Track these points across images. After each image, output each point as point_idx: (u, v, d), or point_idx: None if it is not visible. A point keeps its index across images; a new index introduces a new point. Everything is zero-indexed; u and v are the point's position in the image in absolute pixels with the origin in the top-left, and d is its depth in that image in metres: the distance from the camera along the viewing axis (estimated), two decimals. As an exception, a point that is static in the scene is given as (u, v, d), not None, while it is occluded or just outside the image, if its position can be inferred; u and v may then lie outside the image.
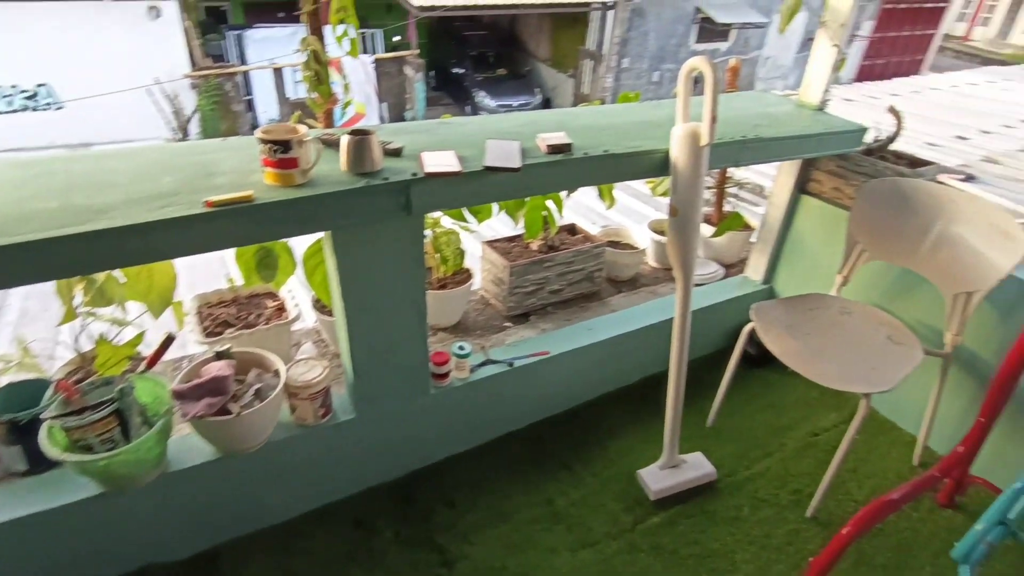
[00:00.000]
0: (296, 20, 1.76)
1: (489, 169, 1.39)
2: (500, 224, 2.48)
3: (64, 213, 1.11)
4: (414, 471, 1.94)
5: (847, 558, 1.71)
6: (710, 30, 13.19)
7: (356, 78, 9.72)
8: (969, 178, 3.08)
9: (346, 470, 1.80)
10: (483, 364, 1.98)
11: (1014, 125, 5.28)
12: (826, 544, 1.81)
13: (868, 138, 2.14)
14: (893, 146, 2.15)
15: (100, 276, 1.61)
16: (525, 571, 1.70)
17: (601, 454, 2.07)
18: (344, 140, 1.31)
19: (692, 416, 2.18)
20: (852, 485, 2.01)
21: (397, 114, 11.71)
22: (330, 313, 2.05)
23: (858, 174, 2.08)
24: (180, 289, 1.76)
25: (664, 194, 2.58)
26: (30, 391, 1.58)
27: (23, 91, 9.26)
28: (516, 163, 1.40)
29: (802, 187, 2.29)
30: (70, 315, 1.62)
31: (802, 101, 2.18)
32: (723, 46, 13.75)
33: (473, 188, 1.42)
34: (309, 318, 2.22)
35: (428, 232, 2.17)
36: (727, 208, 2.81)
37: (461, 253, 2.08)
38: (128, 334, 1.72)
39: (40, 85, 9.29)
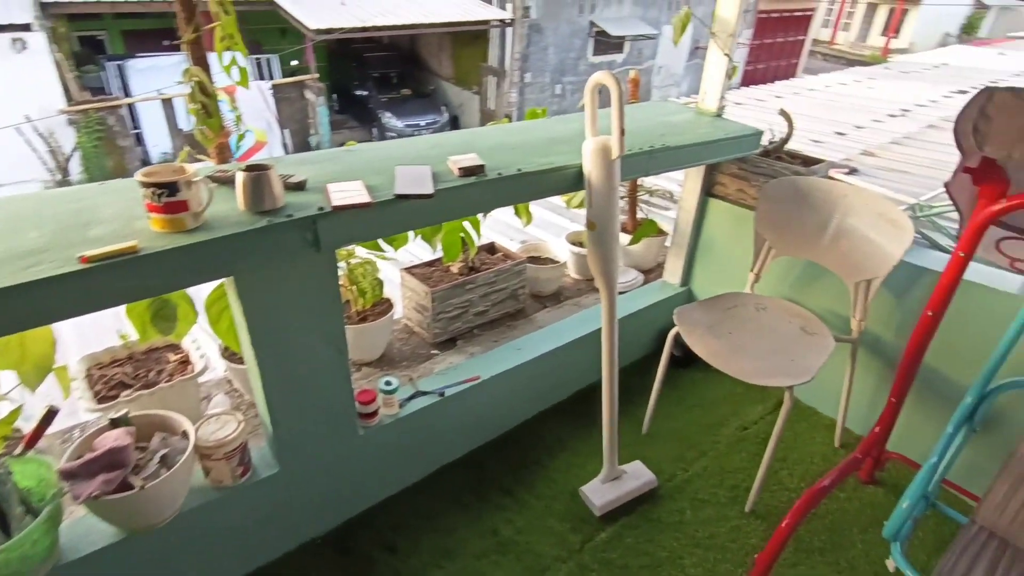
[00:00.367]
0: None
1: (401, 197, 1.33)
2: (418, 248, 2.40)
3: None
4: (349, 519, 1.83)
5: (787, 547, 1.75)
6: (605, 43, 13.70)
7: (254, 105, 9.34)
8: (852, 171, 3.33)
9: (274, 529, 1.66)
10: (413, 397, 1.90)
11: (882, 119, 5.79)
12: (767, 537, 1.86)
13: (763, 140, 2.25)
14: (787, 147, 2.27)
15: (-39, 348, 1.40)
16: (476, 610, 1.63)
17: (542, 475, 2.03)
18: (239, 177, 1.21)
19: (627, 424, 2.19)
20: (784, 474, 2.08)
21: (301, 140, 11.34)
22: (241, 361, 1.90)
23: (758, 175, 2.18)
24: (64, 351, 1.57)
25: (579, 206, 2.60)
26: None
27: None
28: (428, 189, 1.35)
29: (708, 191, 2.37)
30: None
31: (701, 108, 2.26)
32: (619, 58, 14.32)
33: (385, 218, 1.35)
34: (218, 367, 2.05)
35: (342, 264, 2.07)
36: (640, 215, 2.87)
37: (379, 284, 1.99)
38: (2, 410, 1.51)
39: None
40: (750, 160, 2.19)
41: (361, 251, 2.03)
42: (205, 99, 1.50)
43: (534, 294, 2.62)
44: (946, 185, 1.36)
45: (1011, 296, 1.70)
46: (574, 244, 2.78)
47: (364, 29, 9.85)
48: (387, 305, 2.14)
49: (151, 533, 1.39)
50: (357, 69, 12.86)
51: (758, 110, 5.77)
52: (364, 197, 1.28)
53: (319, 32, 9.48)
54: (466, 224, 2.16)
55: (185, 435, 1.44)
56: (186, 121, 9.79)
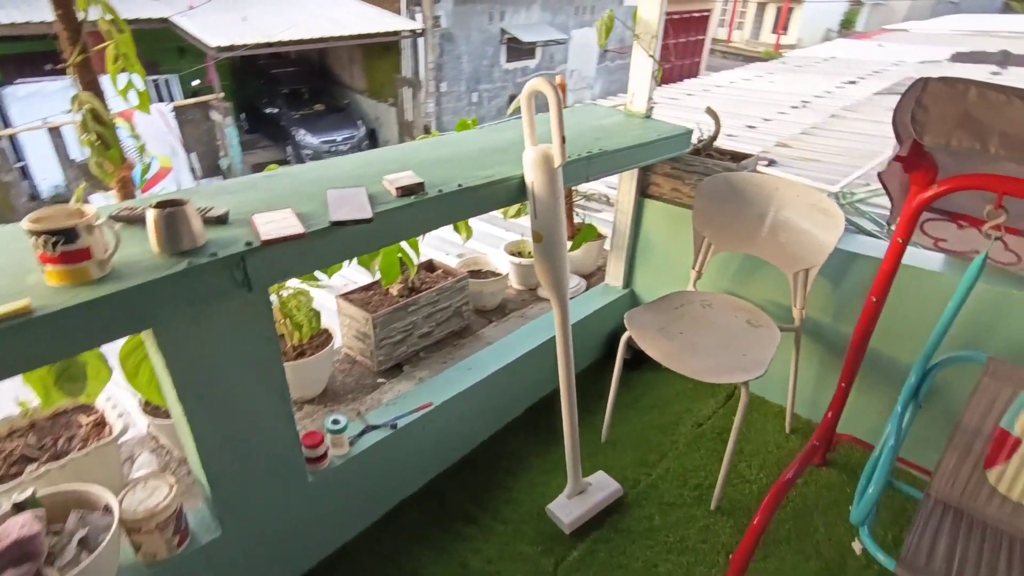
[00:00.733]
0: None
1: (337, 224, 1.22)
2: (354, 272, 2.27)
3: None
4: (304, 574, 1.68)
5: (756, 542, 1.76)
6: (517, 49, 13.82)
7: (155, 129, 8.74)
8: (772, 163, 3.46)
9: (220, 599, 1.50)
10: (363, 433, 1.78)
11: (786, 111, 6.12)
12: (736, 533, 1.87)
13: (692, 139, 2.28)
14: (714, 143, 2.31)
15: None
16: (453, 655, 1.53)
17: (506, 498, 1.96)
18: (151, 215, 1.06)
19: (585, 434, 2.15)
20: (743, 467, 2.10)
21: (210, 163, 10.75)
22: (166, 414, 1.72)
23: (691, 173, 2.20)
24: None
25: (515, 216, 2.55)
26: None
27: None
28: (367, 213, 1.25)
29: (643, 191, 2.38)
30: None
31: (630, 110, 2.27)
32: (532, 63, 14.49)
33: (322, 249, 1.24)
34: (140, 423, 1.85)
35: (272, 297, 1.91)
36: (577, 220, 2.86)
37: (316, 315, 1.86)
38: None
39: None
40: (682, 159, 2.21)
41: (293, 281, 1.89)
42: (101, 128, 1.33)
43: (478, 309, 2.55)
44: (879, 175, 1.40)
45: (942, 275, 1.78)
46: (513, 255, 2.72)
47: (269, 45, 9.46)
48: (326, 336, 2.01)
49: (75, 629, 1.20)
50: (265, 86, 12.35)
51: (675, 108, 5.95)
52: (297, 227, 1.16)
53: (221, 50, 9.02)
54: (403, 244, 2.06)
55: (107, 509, 1.27)
56: (79, 151, 9.05)
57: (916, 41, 12.46)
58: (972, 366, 1.54)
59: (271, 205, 1.31)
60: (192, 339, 1.19)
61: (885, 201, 2.84)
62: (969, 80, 1.01)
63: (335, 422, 1.67)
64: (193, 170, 10.38)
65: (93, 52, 1.40)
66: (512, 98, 14.50)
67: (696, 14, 18.83)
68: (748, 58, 21.63)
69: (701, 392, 2.41)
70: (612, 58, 16.67)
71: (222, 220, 1.21)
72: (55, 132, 8.83)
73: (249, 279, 1.14)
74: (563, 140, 1.46)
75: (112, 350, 1.51)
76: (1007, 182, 1.14)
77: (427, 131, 12.86)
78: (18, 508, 1.20)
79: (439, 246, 3.14)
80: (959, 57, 9.48)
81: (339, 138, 11.86)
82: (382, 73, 12.85)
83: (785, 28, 23.98)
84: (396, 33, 11.47)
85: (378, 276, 2.18)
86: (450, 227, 2.32)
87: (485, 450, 2.12)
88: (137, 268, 1.06)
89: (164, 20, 9.51)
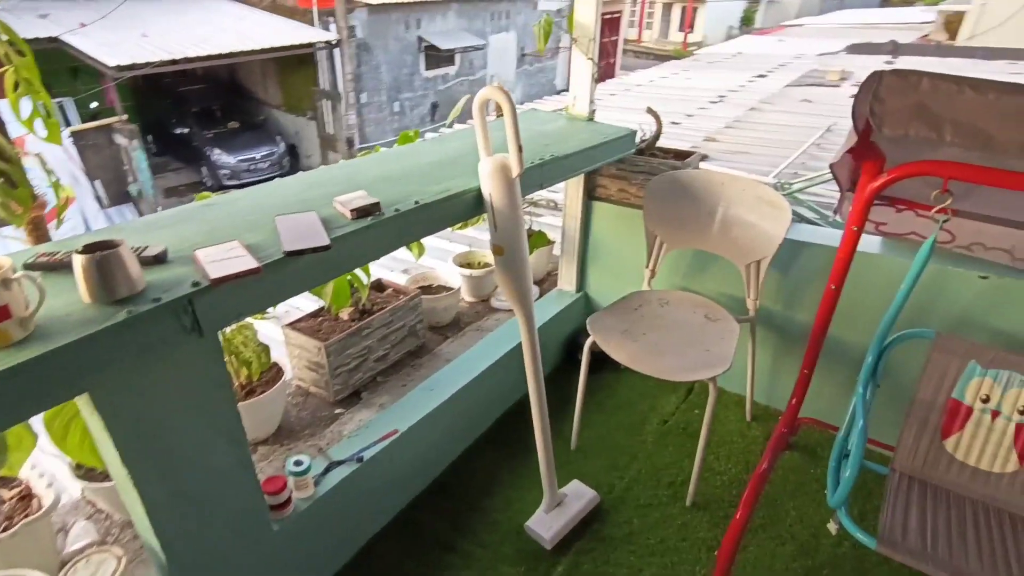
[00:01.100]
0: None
1: (292, 254, 1.13)
2: (299, 299, 2.14)
3: None
4: (276, 631, 1.56)
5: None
6: (436, 56, 13.73)
7: (54, 157, 8.08)
8: (704, 157, 3.55)
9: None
10: (328, 470, 1.67)
11: (706, 107, 6.35)
12: (714, 526, 1.89)
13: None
14: (657, 143, 2.33)
15: None
16: None
17: (482, 519, 1.89)
18: (79, 261, 0.94)
19: (555, 443, 2.10)
20: (711, 459, 2.13)
21: (117, 190, 10.05)
22: (103, 476, 1.55)
23: (637, 173, 2.21)
24: None
25: (463, 227, 2.49)
26: None
27: None
28: (324, 239, 1.16)
29: (590, 194, 2.37)
30: None
31: (571, 114, 2.26)
32: (451, 70, 14.44)
33: (277, 283, 1.14)
34: (72, 487, 1.66)
35: (214, 334, 1.77)
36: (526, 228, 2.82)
37: (265, 349, 1.73)
38: None
39: None
40: (627, 160, 2.22)
41: (235, 316, 1.75)
42: (3, 165, 1.17)
43: (432, 326, 2.47)
44: (831, 165, 1.44)
45: (883, 258, 1.86)
46: (464, 266, 2.66)
47: (175, 62, 8.94)
48: (276, 371, 1.88)
49: None
50: (173, 105, 11.68)
51: (602, 109, 6.04)
52: (249, 262, 1.06)
53: (121, 69, 8.45)
54: (352, 265, 1.96)
55: (47, 596, 1.12)
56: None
57: (813, 35, 13.30)
58: (921, 342, 1.62)
59: (213, 238, 1.19)
60: (135, 396, 1.06)
61: (822, 190, 2.99)
62: (922, 72, 1.04)
63: (297, 463, 1.56)
64: (99, 199, 9.68)
65: (-14, 78, 1.24)
66: (435, 106, 14.39)
67: (607, 15, 19.36)
68: (659, 56, 22.41)
69: (663, 389, 2.43)
70: (531, 62, 16.86)
71: (160, 259, 1.09)
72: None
73: (199, 323, 1.03)
74: (520, 149, 1.42)
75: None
76: (952, 167, 1.19)
77: (350, 144, 12.55)
78: (-64, 610, 1.04)
79: (385, 263, 3.03)
80: (854, 49, 10.17)
81: (258, 155, 11.37)
82: (298, 86, 12.44)
83: (691, 27, 25.02)
84: (310, 45, 11.13)
85: (324, 301, 2.07)
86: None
87: (456, 471, 2.05)
88: (66, 323, 0.93)
89: (54, 40, 8.81)
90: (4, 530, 1.30)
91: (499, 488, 2.00)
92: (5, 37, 1.14)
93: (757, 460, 2.10)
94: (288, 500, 1.53)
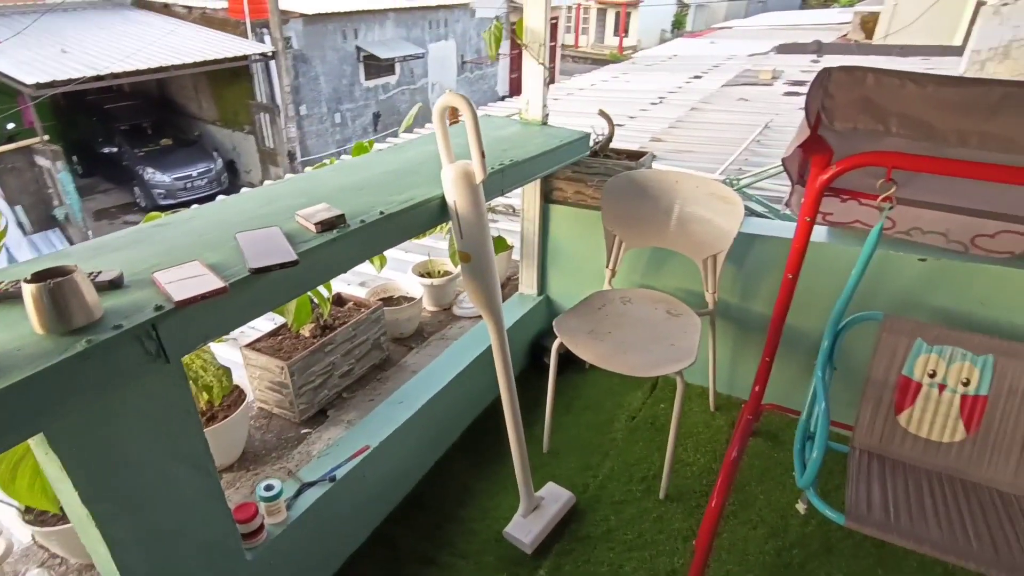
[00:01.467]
0: None
1: (258, 271, 1.09)
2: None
3: None
4: (254, 665, 1.49)
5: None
6: (376, 66, 13.58)
7: (-35, 184, 7.56)
8: (654, 157, 3.64)
9: None
10: (299, 493, 1.62)
11: (647, 108, 6.51)
12: (688, 517, 1.93)
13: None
14: (610, 145, 2.37)
15: None
16: None
17: (460, 529, 1.87)
18: (29, 291, 0.88)
19: (527, 447, 2.11)
20: (680, 451, 2.17)
21: (42, 215, 9.49)
22: (56, 520, 1.46)
23: (593, 175, 2.25)
24: None
25: (419, 237, 2.46)
26: None
27: None
28: (291, 255, 1.13)
29: (547, 198, 2.39)
30: None
31: (525, 119, 2.27)
32: (392, 79, 14.32)
33: (244, 302, 1.10)
34: (20, 534, 1.55)
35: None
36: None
37: (226, 372, 1.66)
38: None
39: None
40: (582, 162, 2.25)
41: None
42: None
43: (395, 338, 2.43)
44: (783, 160, 1.50)
45: (831, 246, 1.96)
46: (423, 276, 2.63)
47: (100, 78, 8.52)
48: (238, 394, 1.81)
49: None
50: (100, 124, 11.12)
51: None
52: (214, 282, 1.02)
53: (40, 87, 7.99)
54: (311, 281, 1.91)
55: (5, 653, 1.04)
56: None
57: (742, 37, 13.84)
58: (872, 324, 1.70)
59: (171, 260, 1.14)
60: (94, 431, 1.00)
61: (770, 184, 3.11)
62: (867, 68, 1.10)
63: (268, 488, 1.51)
64: (21, 225, 9.13)
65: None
66: (377, 116, 14.22)
67: (545, 22, 19.57)
68: (596, 61, 22.87)
69: (628, 386, 2.47)
70: (471, 69, 16.91)
71: (116, 284, 1.03)
72: None
73: (164, 349, 0.98)
74: (483, 155, 1.42)
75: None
76: (896, 157, 1.26)
77: (291, 157, 12.24)
78: None
79: (342, 276, 2.96)
80: (782, 49, 10.65)
81: (194, 173, 10.96)
82: (234, 100, 12.07)
83: (626, 31, 25.66)
84: (244, 58, 10.82)
85: (283, 319, 2.01)
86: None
87: (430, 483, 2.02)
88: (17, 358, 0.87)
89: (-39, 58, 8.27)
90: (-51, 586, 1.20)
91: (474, 497, 1.99)
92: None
93: (723, 449, 2.16)
94: (260, 527, 1.48)
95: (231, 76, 11.44)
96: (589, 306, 2.09)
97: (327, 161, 2.02)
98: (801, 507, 1.87)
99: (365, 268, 2.58)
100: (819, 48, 10.32)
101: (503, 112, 4.72)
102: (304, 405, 1.95)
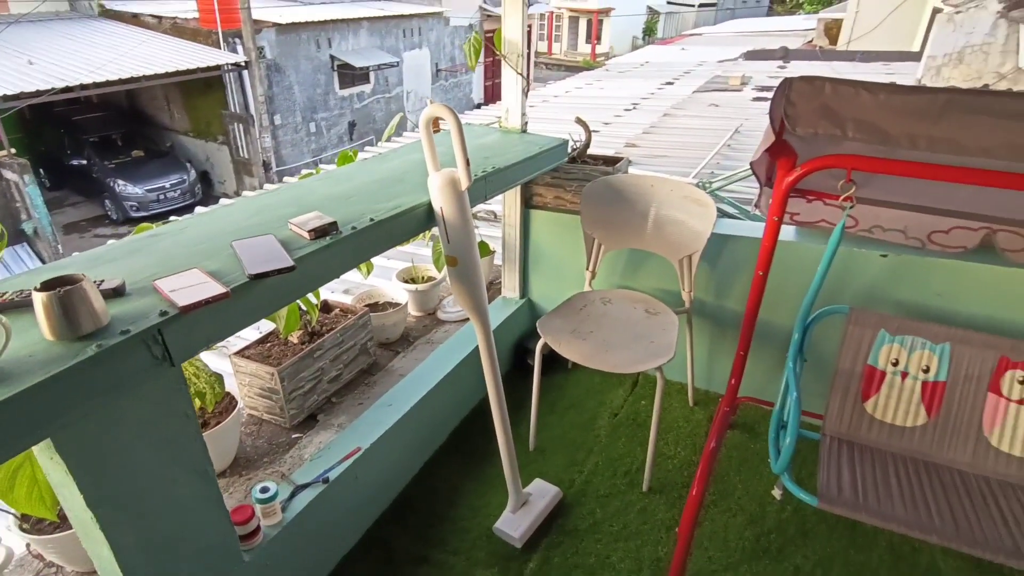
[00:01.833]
0: None
1: (257, 277, 1.13)
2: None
3: None
4: (253, 665, 1.52)
5: (691, 511, 1.90)
6: (351, 75, 13.58)
7: (-70, 199, 7.38)
8: (629, 162, 3.74)
9: None
10: (294, 495, 1.65)
11: (621, 114, 6.64)
12: (670, 507, 2.00)
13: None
14: (587, 151, 2.45)
15: None
16: None
17: (451, 528, 1.92)
18: (40, 299, 0.91)
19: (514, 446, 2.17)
20: (661, 445, 2.25)
21: (10, 230, 9.27)
22: (52, 528, 1.47)
23: (571, 181, 2.32)
24: None
25: (403, 244, 2.51)
26: None
27: None
28: (287, 260, 1.18)
29: (528, 203, 2.46)
30: None
31: (505, 127, 2.34)
32: (367, 88, 14.32)
33: (244, 307, 1.14)
34: (14, 543, 1.56)
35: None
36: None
37: (218, 379, 1.69)
38: None
39: None
40: (561, 168, 2.33)
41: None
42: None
43: (381, 343, 2.47)
44: (751, 164, 1.59)
45: (798, 244, 2.06)
46: (407, 281, 2.68)
47: (69, 89, 8.40)
48: (229, 401, 1.83)
49: None
50: (67, 136, 10.93)
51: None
52: (216, 287, 1.06)
53: (6, 99, 7.84)
54: (299, 288, 1.94)
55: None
56: None
57: (712, 43, 14.15)
58: (839, 317, 1.80)
59: (168, 268, 1.18)
60: (99, 436, 1.04)
61: (740, 187, 3.22)
62: (825, 78, 1.19)
63: (263, 490, 1.54)
64: (-12, 240, 8.90)
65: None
66: (352, 124, 14.20)
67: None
68: (569, 68, 23.12)
69: (609, 385, 2.54)
70: (446, 77, 16.98)
71: (119, 292, 1.07)
72: None
73: (171, 352, 1.02)
74: (467, 163, 1.48)
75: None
76: (854, 160, 1.35)
77: (266, 167, 12.16)
78: None
79: (327, 284, 2.99)
80: (751, 55, 10.93)
81: (167, 184, 10.84)
82: (207, 110, 11.97)
83: (598, 38, 26.00)
84: (217, 68, 10.74)
85: (272, 326, 2.05)
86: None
87: (419, 484, 2.07)
88: (30, 363, 0.90)
89: (-78, 70, 8.08)
90: (-49, 595, 1.21)
91: (464, 496, 2.03)
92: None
93: (703, 442, 2.24)
94: (257, 529, 1.51)
95: (204, 86, 11.35)
96: (571, 307, 2.16)
97: (308, 171, 2.06)
98: (777, 493, 1.96)
99: (348, 275, 2.61)
100: (786, 54, 10.62)
101: (480, 120, 4.79)
102: (294, 410, 1.99)
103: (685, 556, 1.67)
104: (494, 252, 2.88)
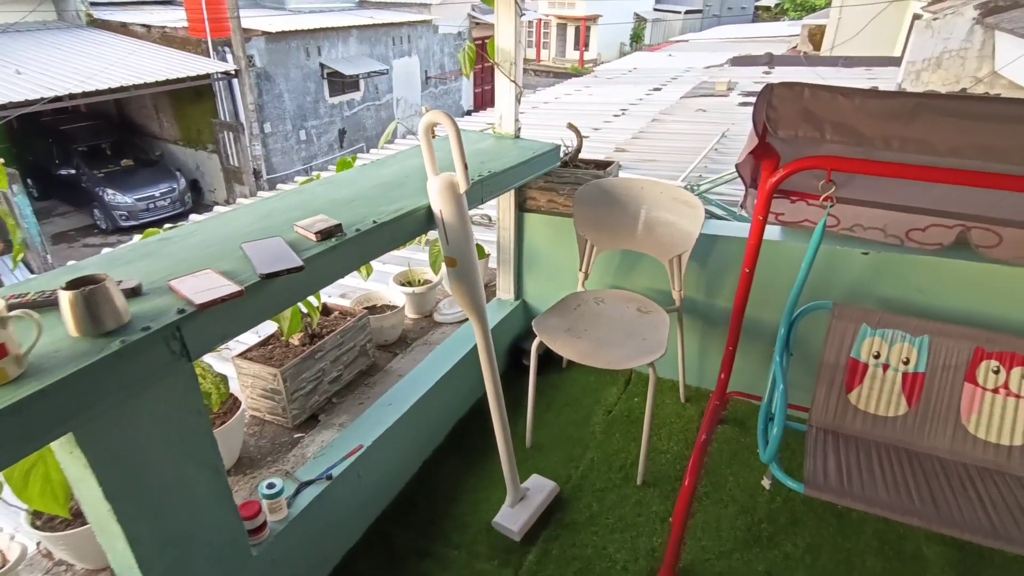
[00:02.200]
0: None
1: (268, 276, 1.19)
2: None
3: None
4: (261, 657, 1.56)
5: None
6: (341, 82, 13.63)
7: (-82, 210, 7.32)
8: (620, 167, 3.82)
9: None
10: (299, 492, 1.70)
11: (610, 120, 6.74)
12: (664, 499, 2.06)
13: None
14: (579, 156, 2.52)
15: None
16: None
17: (452, 523, 1.97)
18: (65, 297, 0.96)
19: (512, 443, 2.22)
20: (654, 440, 2.31)
21: (-3, 240, 9.21)
22: (63, 525, 1.51)
23: (564, 184, 2.39)
24: None
25: (400, 248, 2.57)
26: None
27: None
28: (296, 261, 1.23)
29: (522, 207, 2.53)
30: None
31: (499, 133, 2.41)
32: (357, 96, 14.36)
33: (256, 305, 1.19)
34: (26, 540, 1.59)
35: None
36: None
37: (223, 380, 1.74)
38: None
39: None
40: (554, 172, 2.39)
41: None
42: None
43: (380, 345, 2.52)
44: (737, 166, 1.66)
45: (782, 243, 2.13)
46: (403, 284, 2.73)
47: (58, 99, 8.38)
48: (233, 401, 1.88)
49: None
50: (55, 145, 10.88)
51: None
52: (231, 286, 1.11)
53: (-6, 109, 7.82)
54: (301, 290, 1.99)
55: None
56: None
57: (698, 49, 14.34)
58: (823, 313, 1.87)
59: (178, 269, 1.23)
60: (119, 430, 1.08)
61: (727, 189, 3.31)
62: (804, 83, 1.26)
63: (270, 486, 1.59)
64: (-24, 251, 8.84)
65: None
66: (343, 132, 14.23)
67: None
68: (558, 74, 23.29)
69: (603, 383, 2.61)
70: (435, 84, 17.06)
71: (137, 292, 1.12)
72: None
73: (187, 348, 1.07)
74: (466, 167, 1.54)
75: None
76: (833, 161, 1.43)
77: (257, 175, 12.16)
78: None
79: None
80: (736, 61, 11.10)
81: (157, 193, 10.81)
82: (196, 119, 11.96)
83: (586, 45, 26.22)
84: (206, 76, 10.75)
85: (272, 331, 2.09)
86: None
87: (420, 481, 2.11)
88: (57, 359, 0.95)
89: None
90: (-30, 589, 1.25)
91: (464, 493, 2.08)
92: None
93: (695, 436, 2.30)
94: (263, 524, 1.55)
95: (193, 95, 11.35)
96: (565, 307, 2.22)
97: (307, 178, 2.11)
98: (767, 482, 2.02)
99: (345, 280, 2.66)
100: (770, 60, 10.80)
101: (470, 126, 4.86)
102: (296, 411, 2.03)
103: (679, 546, 1.74)
104: (488, 255, 2.94)
